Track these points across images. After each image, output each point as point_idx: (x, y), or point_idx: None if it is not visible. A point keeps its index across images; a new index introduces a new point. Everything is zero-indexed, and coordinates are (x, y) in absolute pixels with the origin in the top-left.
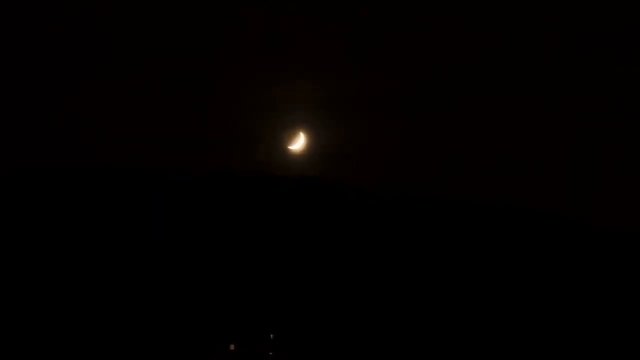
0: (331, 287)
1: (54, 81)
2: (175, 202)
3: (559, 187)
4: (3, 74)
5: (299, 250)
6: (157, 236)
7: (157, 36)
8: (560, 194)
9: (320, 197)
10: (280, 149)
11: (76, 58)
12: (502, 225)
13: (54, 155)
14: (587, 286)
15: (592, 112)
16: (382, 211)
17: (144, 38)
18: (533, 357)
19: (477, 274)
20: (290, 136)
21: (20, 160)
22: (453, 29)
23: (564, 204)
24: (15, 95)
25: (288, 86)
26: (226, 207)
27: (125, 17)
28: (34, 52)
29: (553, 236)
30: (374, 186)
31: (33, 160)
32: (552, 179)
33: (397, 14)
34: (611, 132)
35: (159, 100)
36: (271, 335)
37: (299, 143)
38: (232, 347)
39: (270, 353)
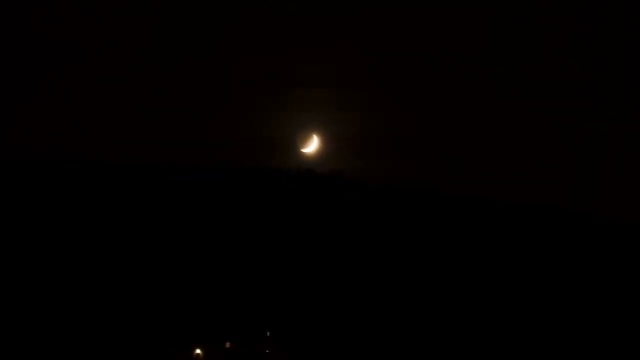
0: (330, 284)
1: (57, 79)
2: (174, 200)
3: (561, 181)
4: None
5: (296, 247)
6: (156, 234)
7: (170, 37)
8: (562, 188)
9: (317, 191)
10: (293, 149)
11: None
12: (507, 219)
13: (54, 153)
14: (588, 279)
15: (592, 110)
16: (380, 205)
17: (156, 38)
18: (537, 349)
19: (482, 267)
20: (303, 137)
21: (22, 156)
22: (466, 30)
23: (565, 198)
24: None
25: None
26: (220, 205)
27: (137, 19)
28: (37, 50)
29: (556, 229)
30: (380, 180)
31: (34, 157)
32: (555, 174)
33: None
34: (613, 130)
35: (169, 100)
36: (268, 333)
37: (311, 144)
38: (227, 344)
39: (267, 351)
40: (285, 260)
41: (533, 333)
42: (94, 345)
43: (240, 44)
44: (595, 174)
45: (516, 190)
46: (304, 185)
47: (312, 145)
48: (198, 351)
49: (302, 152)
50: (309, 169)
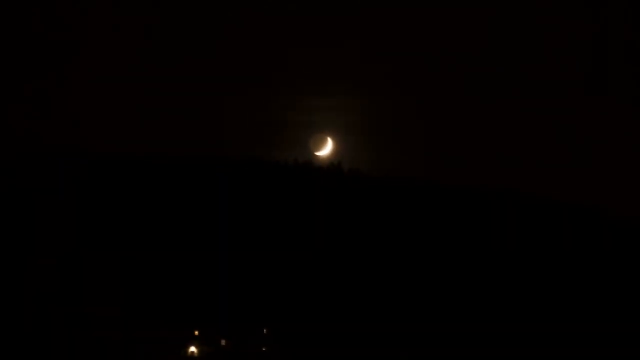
0: (328, 282)
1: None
2: (166, 195)
3: (562, 176)
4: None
5: (295, 244)
6: (152, 229)
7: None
8: (563, 182)
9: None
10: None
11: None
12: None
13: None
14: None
15: (591, 109)
16: (382, 199)
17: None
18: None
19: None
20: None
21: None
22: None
23: (566, 192)
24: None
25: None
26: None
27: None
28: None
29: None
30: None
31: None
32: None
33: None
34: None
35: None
36: (264, 330)
37: (325, 148)
38: (223, 342)
39: (264, 349)
40: (284, 258)
41: (535, 322)
42: (90, 343)
43: (247, 47)
44: (597, 170)
45: (524, 184)
46: (302, 180)
47: (326, 148)
48: (193, 349)
49: (316, 154)
50: (307, 162)
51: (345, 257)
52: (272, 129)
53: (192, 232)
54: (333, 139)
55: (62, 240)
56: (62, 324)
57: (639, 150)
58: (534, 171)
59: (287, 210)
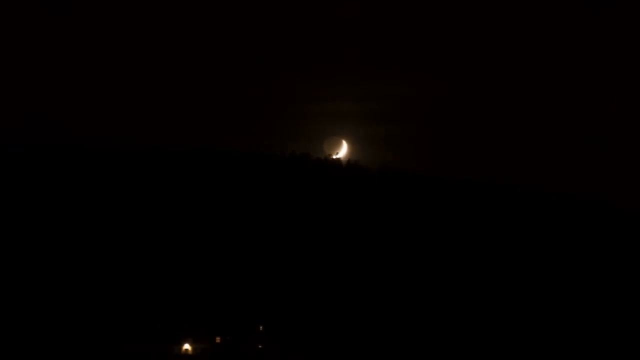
0: (326, 279)
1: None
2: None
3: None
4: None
5: (292, 241)
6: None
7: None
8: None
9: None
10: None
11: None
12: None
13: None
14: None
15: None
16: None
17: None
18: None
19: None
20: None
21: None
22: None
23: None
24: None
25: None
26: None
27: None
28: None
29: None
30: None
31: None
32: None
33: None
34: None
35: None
36: (261, 327)
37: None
38: (217, 339)
39: (260, 346)
40: (281, 254)
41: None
42: (84, 341)
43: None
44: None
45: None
46: (299, 174)
47: (342, 151)
48: (187, 347)
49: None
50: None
51: (345, 254)
52: (288, 121)
53: (189, 227)
54: (348, 141)
55: (55, 235)
56: (56, 321)
57: None
58: (544, 165)
59: (286, 207)
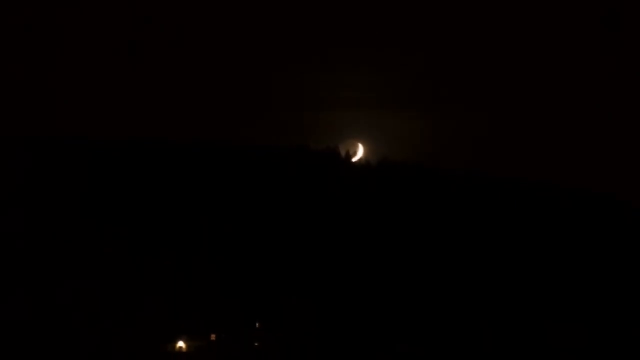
0: (324, 277)
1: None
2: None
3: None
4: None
5: (289, 238)
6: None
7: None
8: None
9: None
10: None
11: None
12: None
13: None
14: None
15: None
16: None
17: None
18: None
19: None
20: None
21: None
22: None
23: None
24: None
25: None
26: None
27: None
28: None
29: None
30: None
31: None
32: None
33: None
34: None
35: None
36: (257, 324)
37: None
38: (212, 337)
39: (256, 343)
40: (278, 250)
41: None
42: (77, 338)
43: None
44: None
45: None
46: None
47: (359, 154)
48: (181, 344)
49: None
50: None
51: (343, 251)
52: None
53: (183, 222)
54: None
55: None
56: (48, 318)
57: None
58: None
59: (286, 203)
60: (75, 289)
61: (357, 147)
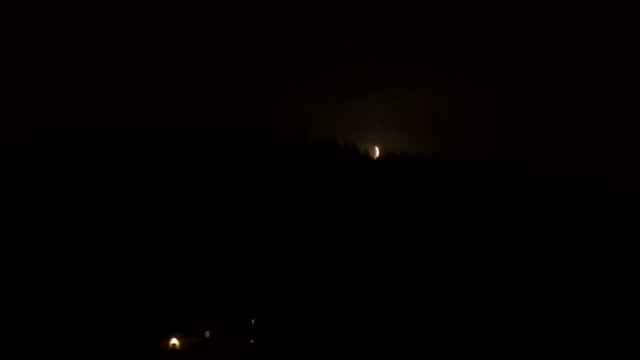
0: (322, 274)
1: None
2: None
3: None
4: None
5: (287, 235)
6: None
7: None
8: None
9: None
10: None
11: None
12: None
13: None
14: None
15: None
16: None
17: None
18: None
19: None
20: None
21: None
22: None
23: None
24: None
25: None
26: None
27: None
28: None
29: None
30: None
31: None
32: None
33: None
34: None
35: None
36: (252, 321)
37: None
38: (207, 334)
39: (252, 341)
40: (274, 246)
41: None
42: (70, 335)
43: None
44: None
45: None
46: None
47: (374, 154)
48: (174, 341)
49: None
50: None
51: (341, 248)
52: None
53: (177, 219)
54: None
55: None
56: (42, 316)
57: None
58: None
59: (284, 199)
60: (67, 286)
61: (373, 149)
